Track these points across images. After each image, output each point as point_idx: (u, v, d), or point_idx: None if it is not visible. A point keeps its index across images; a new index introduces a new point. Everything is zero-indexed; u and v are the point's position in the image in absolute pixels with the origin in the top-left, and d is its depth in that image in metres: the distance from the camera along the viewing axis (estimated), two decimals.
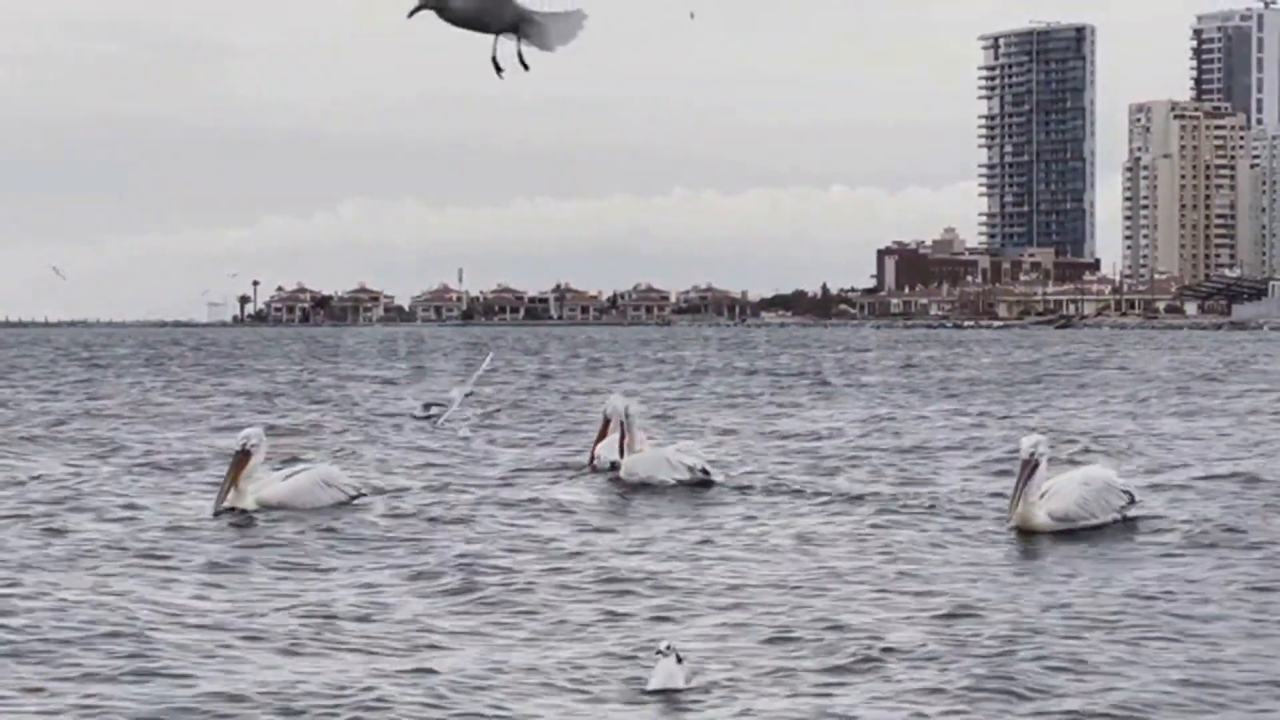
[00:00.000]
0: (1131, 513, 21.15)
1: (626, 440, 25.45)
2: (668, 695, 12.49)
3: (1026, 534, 20.47)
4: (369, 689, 12.54)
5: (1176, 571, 17.89)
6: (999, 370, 75.86)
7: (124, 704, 12.25)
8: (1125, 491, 21.20)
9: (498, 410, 42.51)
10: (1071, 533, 20.45)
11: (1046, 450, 20.88)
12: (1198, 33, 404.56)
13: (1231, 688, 12.92)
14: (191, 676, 12.94)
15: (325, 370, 78.85)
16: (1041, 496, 20.77)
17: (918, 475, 27.22)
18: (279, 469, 23.66)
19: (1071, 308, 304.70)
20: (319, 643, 14.23)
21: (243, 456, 22.38)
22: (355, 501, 22.89)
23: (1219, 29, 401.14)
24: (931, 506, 23.02)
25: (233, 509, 22.19)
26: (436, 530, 20.91)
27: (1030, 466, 20.67)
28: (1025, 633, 14.57)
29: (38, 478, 26.63)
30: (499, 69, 10.36)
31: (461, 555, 18.62)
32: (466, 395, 43.61)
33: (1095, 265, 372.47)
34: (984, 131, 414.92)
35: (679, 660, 12.68)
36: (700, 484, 24.79)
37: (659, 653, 12.68)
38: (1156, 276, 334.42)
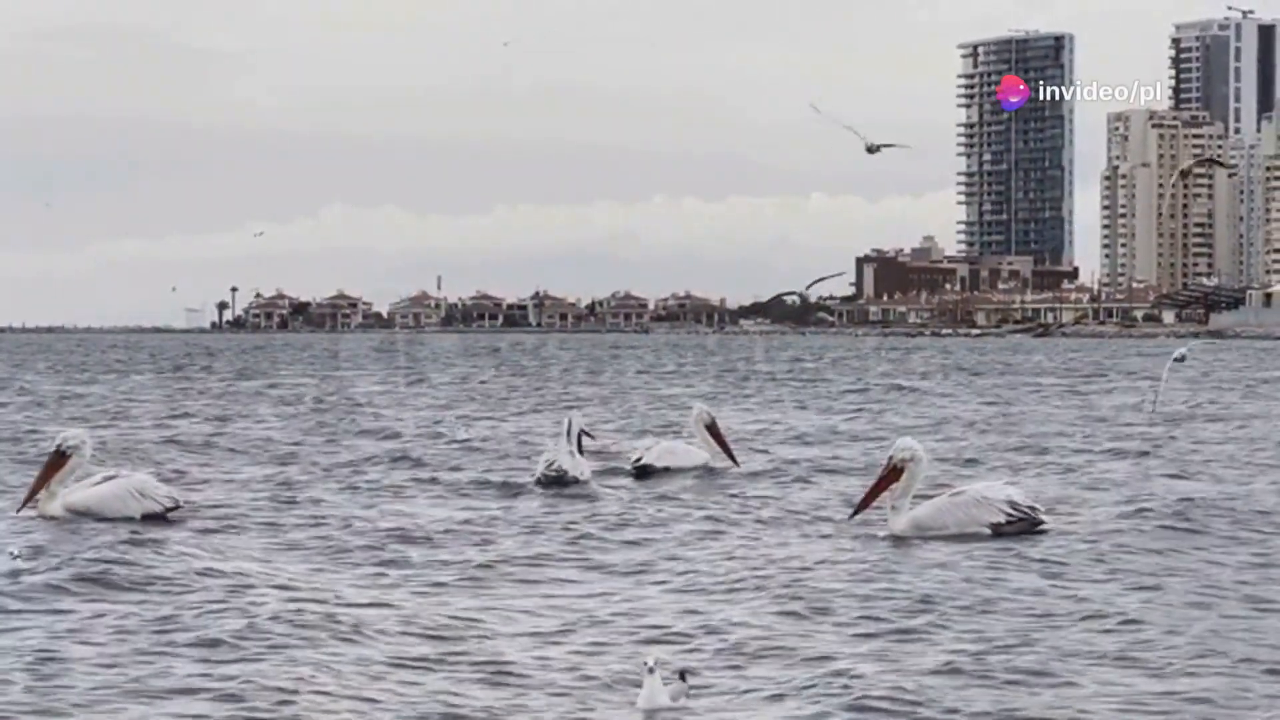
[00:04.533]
0: (1033, 531, 20.24)
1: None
2: (653, 714, 12.02)
3: (896, 539, 20.21)
4: None
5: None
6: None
7: None
8: (1012, 508, 20.46)
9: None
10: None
11: (909, 455, 20.45)
12: (1176, 41, 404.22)
13: None
14: None
15: None
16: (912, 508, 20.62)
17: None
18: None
19: (1050, 316, 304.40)
20: None
21: (58, 458, 21.56)
22: (170, 514, 21.87)
23: (1197, 38, 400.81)
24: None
25: (43, 515, 21.38)
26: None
27: (891, 470, 20.45)
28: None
29: None
30: None
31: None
32: None
33: (1073, 274, 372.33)
34: (963, 140, 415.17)
35: (683, 678, 12.32)
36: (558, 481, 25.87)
37: (642, 666, 12.21)
38: (1134, 285, 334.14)
